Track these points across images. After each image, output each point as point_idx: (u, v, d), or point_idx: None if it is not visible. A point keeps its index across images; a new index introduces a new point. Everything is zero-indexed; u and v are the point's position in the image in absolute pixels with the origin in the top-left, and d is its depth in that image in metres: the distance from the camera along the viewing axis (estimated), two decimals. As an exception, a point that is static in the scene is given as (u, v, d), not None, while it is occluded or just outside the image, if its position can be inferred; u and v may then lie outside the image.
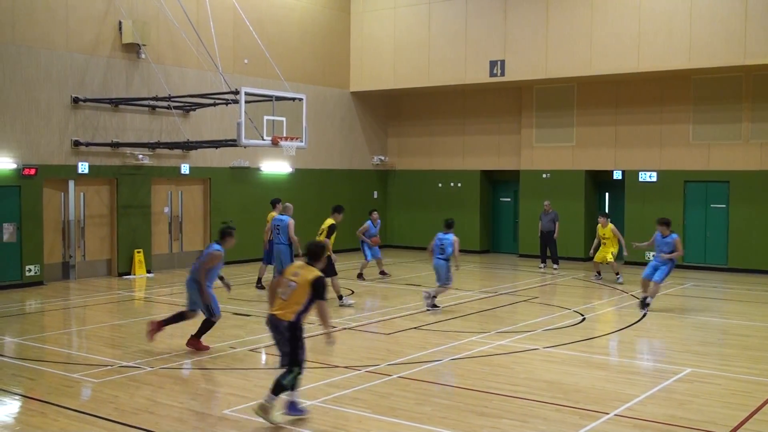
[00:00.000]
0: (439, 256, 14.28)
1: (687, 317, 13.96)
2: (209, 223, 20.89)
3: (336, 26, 24.41)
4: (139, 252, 18.93)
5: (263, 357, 11.01)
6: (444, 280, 14.29)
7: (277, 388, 7.64)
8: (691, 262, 20.88)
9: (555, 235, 20.57)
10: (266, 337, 12.06)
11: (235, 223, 21.05)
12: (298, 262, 7.98)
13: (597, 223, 18.81)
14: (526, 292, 16.79)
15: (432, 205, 25.49)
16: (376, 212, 19.35)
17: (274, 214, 16.24)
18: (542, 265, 20.91)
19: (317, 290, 7.64)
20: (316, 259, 7.89)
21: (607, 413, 8.10)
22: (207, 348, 10.90)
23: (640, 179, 21.72)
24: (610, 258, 18.14)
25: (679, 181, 21.19)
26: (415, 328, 12.72)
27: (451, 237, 14.22)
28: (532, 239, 22.37)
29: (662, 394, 8.89)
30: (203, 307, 10.85)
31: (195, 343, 10.91)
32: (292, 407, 7.82)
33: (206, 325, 10.94)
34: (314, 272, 7.71)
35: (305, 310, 7.69)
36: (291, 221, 15.26)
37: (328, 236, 14.79)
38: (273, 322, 7.75)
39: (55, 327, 13.18)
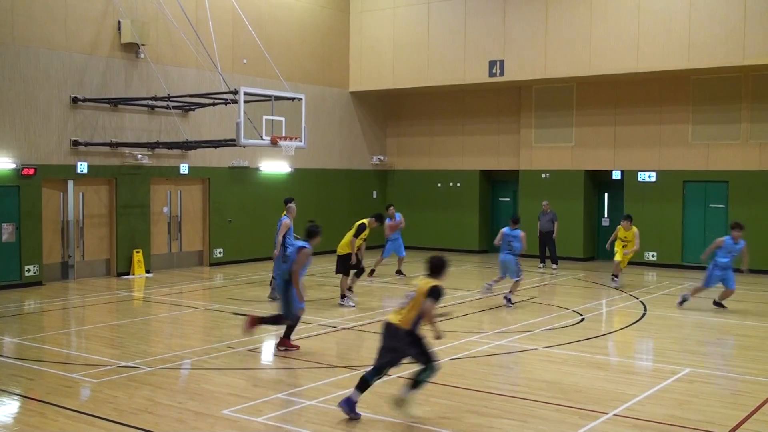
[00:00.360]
0: (507, 252, 14.85)
1: (686, 317, 13.96)
2: (208, 222, 20.87)
3: (335, 26, 24.41)
4: (138, 252, 18.92)
5: (262, 357, 11.01)
6: (516, 274, 14.84)
7: (416, 384, 7.83)
8: (690, 262, 20.88)
9: (554, 235, 20.58)
10: (265, 336, 12.08)
11: (235, 223, 21.30)
12: (422, 276, 8.03)
13: (618, 225, 17.73)
14: (525, 292, 16.78)
15: (431, 205, 25.49)
16: (392, 207, 19.27)
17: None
18: (541, 265, 20.92)
19: (432, 296, 7.73)
20: (436, 272, 7.93)
21: (607, 413, 8.10)
22: (297, 347, 10.81)
23: (640, 179, 21.72)
24: (624, 265, 17.51)
25: (678, 181, 21.20)
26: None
27: (519, 233, 14.83)
28: (531, 239, 22.30)
29: (661, 394, 8.89)
30: (283, 305, 10.78)
31: (284, 342, 10.84)
32: (349, 404, 7.81)
33: (276, 319, 10.87)
34: (432, 282, 7.82)
35: (421, 317, 7.80)
36: (283, 221, 15.09)
37: (356, 235, 14.73)
38: (390, 329, 7.85)
39: (54, 327, 13.17)
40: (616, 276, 17.43)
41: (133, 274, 18.70)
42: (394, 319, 7.87)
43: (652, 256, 21.42)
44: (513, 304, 14.84)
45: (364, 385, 7.87)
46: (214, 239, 20.96)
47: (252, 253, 21.73)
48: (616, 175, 22.26)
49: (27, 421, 7.88)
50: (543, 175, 23.26)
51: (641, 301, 15.43)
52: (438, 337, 7.89)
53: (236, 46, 21.02)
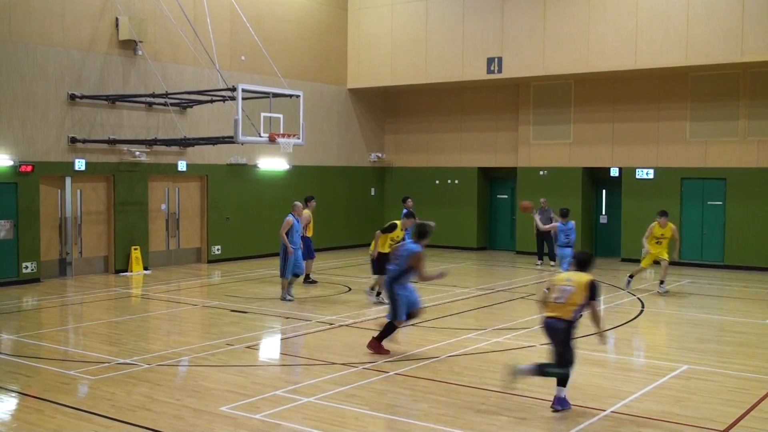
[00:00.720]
0: (565, 245, 15.30)
1: (684, 314, 13.98)
2: (206, 220, 20.86)
3: (333, 23, 24.39)
4: (136, 249, 18.91)
5: (260, 354, 11.01)
6: (568, 265, 15.12)
7: (539, 370, 8.05)
8: (688, 259, 20.91)
9: (552, 232, 20.58)
10: (262, 333, 12.08)
11: (233, 220, 21.29)
12: (570, 271, 8.40)
13: (653, 222, 16.38)
14: (523, 289, 16.80)
15: (429, 202, 25.45)
16: (410, 200, 19.00)
17: (306, 211, 16.45)
18: (539, 263, 20.94)
19: (593, 292, 8.04)
20: (585, 266, 8.33)
21: (604, 410, 8.12)
22: (387, 352, 10.47)
23: (637, 176, 21.73)
24: (665, 255, 15.90)
25: (676, 178, 21.21)
26: (412, 324, 12.71)
27: (572, 224, 15.30)
28: (529, 236, 22.36)
29: (659, 390, 8.90)
30: (391, 307, 10.49)
31: (375, 345, 10.52)
32: (562, 402, 8.06)
33: (388, 329, 10.54)
34: (588, 276, 8.15)
35: (581, 309, 8.09)
36: (286, 219, 15.02)
37: (384, 231, 14.27)
38: (551, 325, 8.12)
39: (51, 324, 13.16)
40: (632, 277, 16.48)
41: (131, 271, 18.69)
42: (554, 313, 8.12)
43: (650, 253, 21.42)
44: None
45: (563, 381, 8.09)
46: (212, 236, 20.95)
47: (250, 250, 21.73)
48: (614, 172, 22.26)
49: (25, 417, 7.88)
50: (541, 173, 23.26)
51: (639, 298, 15.44)
52: (602, 341, 8.29)
53: (234, 43, 21.00)
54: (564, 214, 15.47)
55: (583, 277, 8.12)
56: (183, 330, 12.65)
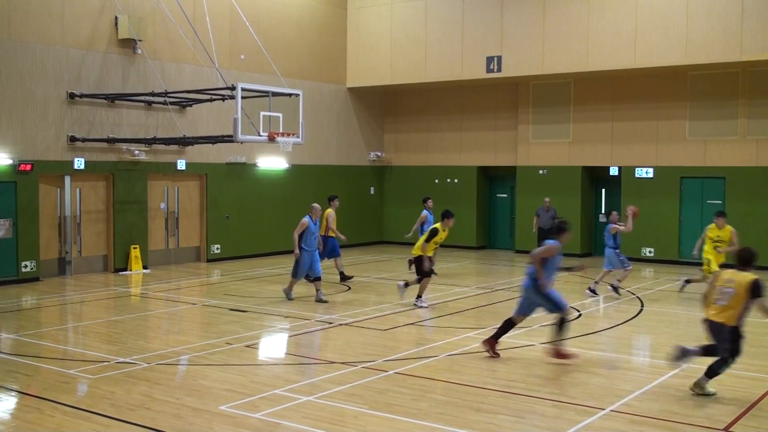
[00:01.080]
0: (610, 246, 15.46)
1: (683, 313, 13.97)
2: (205, 219, 20.86)
3: (333, 22, 24.38)
4: (135, 248, 18.90)
5: (259, 353, 11.00)
6: (621, 265, 15.38)
7: (711, 373, 8.42)
8: (687, 258, 20.90)
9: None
10: (262, 333, 12.08)
11: (232, 219, 21.28)
12: (731, 270, 8.44)
13: (711, 223, 15.31)
14: (523, 288, 16.77)
15: (428, 201, 25.46)
16: (430, 200, 18.57)
17: (329, 210, 16.54)
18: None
19: (755, 291, 8.14)
20: (746, 264, 8.36)
21: (603, 409, 8.12)
22: (575, 355, 10.12)
23: (637, 175, 21.74)
24: (715, 267, 14.24)
25: (676, 177, 21.22)
26: (411, 324, 12.72)
27: (609, 226, 15.50)
28: (529, 235, 22.37)
29: (659, 389, 8.90)
30: (549, 306, 10.11)
31: (558, 352, 10.13)
32: (686, 353, 8.58)
33: (561, 326, 10.15)
34: (749, 276, 8.19)
35: (744, 312, 8.20)
36: (301, 221, 14.69)
37: (428, 240, 14.00)
38: (714, 327, 8.41)
39: (51, 323, 13.16)
40: (688, 282, 15.85)
41: (131, 270, 18.68)
42: (717, 317, 8.34)
43: (649, 252, 21.45)
44: (596, 294, 15.34)
45: (713, 374, 8.48)
46: (211, 235, 20.95)
47: (249, 249, 21.74)
48: (614, 171, 22.26)
49: (24, 417, 7.88)
50: (540, 171, 23.27)
51: (638, 297, 15.44)
52: None
53: (233, 42, 20.99)
54: (606, 215, 15.71)
55: (746, 277, 8.15)
56: (182, 329, 12.65)
